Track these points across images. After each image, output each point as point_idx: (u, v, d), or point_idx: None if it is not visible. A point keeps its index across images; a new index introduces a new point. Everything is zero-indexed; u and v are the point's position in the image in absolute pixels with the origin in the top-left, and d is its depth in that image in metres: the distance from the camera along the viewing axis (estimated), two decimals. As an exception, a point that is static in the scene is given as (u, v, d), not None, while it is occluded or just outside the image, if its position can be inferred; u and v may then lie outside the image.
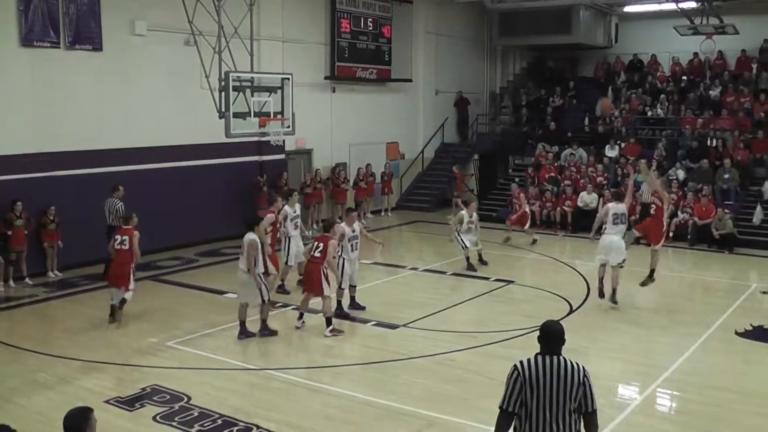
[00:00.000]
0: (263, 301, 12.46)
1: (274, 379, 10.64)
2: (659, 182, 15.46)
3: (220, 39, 15.94)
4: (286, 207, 15.25)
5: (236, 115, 15.57)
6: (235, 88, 15.53)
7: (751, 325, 13.11)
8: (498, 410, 5.45)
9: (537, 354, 5.48)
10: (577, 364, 5.45)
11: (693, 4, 24.90)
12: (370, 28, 25.11)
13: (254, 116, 15.85)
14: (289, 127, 16.71)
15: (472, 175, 28.13)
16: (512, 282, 16.39)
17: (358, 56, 24.75)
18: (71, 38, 17.03)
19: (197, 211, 19.42)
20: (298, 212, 15.60)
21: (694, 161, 22.84)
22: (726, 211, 20.11)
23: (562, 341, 5.51)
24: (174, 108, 19.24)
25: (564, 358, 5.44)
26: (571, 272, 17.47)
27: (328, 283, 12.68)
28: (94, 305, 14.51)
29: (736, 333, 12.76)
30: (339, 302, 13.77)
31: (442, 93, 28.89)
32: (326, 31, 23.91)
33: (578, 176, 23.19)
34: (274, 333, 12.63)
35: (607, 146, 25.03)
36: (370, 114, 25.78)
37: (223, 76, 15.56)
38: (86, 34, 17.28)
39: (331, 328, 12.61)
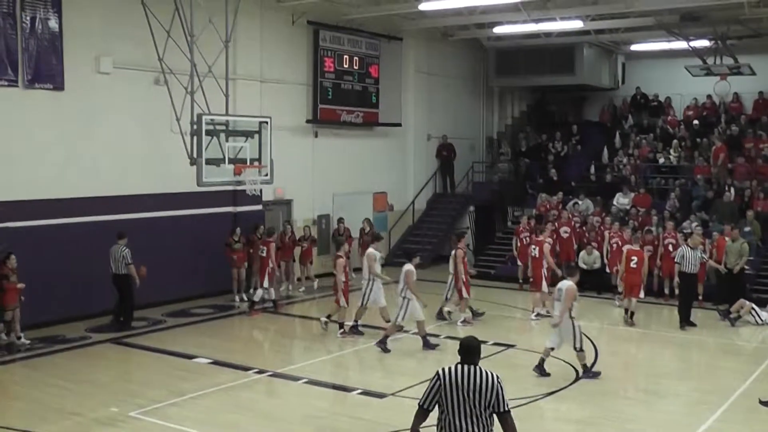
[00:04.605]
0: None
1: (250, 454, 10.49)
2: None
3: (193, 78, 16.03)
4: (373, 250, 17.39)
5: (209, 162, 15.58)
6: (208, 132, 15.55)
7: (776, 392, 13.06)
8: (417, 407, 7.24)
9: (457, 363, 7.19)
10: (489, 372, 7.13)
11: (705, 43, 25.28)
12: (356, 68, 25.29)
13: (229, 163, 15.85)
14: (266, 175, 16.72)
15: (467, 228, 28.10)
16: (512, 346, 16.32)
17: (343, 98, 24.87)
18: (30, 76, 17.05)
19: (165, 267, 19.13)
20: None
21: (710, 214, 22.92)
22: (746, 267, 20.14)
23: (478, 353, 7.32)
24: (141, 153, 19.25)
25: (479, 367, 7.16)
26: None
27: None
28: (48, 371, 14.34)
29: (760, 402, 12.69)
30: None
31: (434, 138, 29.03)
32: (308, 71, 24.06)
33: (583, 229, 23.20)
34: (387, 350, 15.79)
35: (618, 193, 25.13)
36: (355, 161, 25.85)
37: (195, 118, 15.61)
38: (47, 72, 17.32)
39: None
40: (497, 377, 7.13)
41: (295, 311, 19.96)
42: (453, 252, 18.48)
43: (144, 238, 18.41)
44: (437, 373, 7.18)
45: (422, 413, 7.26)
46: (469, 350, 7.27)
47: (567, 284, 13.85)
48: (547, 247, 19.65)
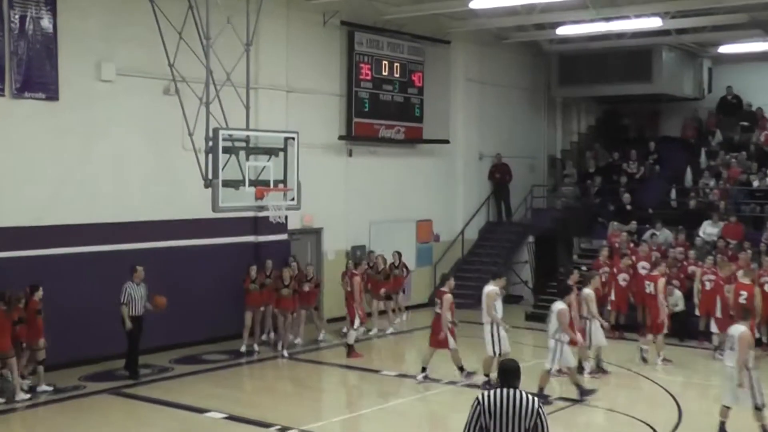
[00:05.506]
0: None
1: None
2: None
3: (209, 87, 15.98)
4: (493, 287, 16.82)
5: (227, 184, 15.49)
6: (225, 150, 15.49)
7: None
8: None
9: (497, 387, 7.86)
10: (531, 395, 7.77)
11: (808, 43, 24.93)
12: (397, 75, 25.27)
13: (249, 185, 15.78)
14: (293, 199, 16.64)
15: (526, 262, 27.81)
16: (579, 402, 15.93)
17: (382, 111, 24.84)
18: (20, 84, 17.16)
19: (174, 305, 18.92)
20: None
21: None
22: None
23: (518, 376, 7.90)
24: (148, 173, 19.31)
25: (520, 391, 7.75)
26: (656, 389, 17.05)
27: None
28: (37, 426, 14.47)
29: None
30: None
31: (487, 157, 28.97)
32: (341, 79, 24.09)
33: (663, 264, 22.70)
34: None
35: (705, 222, 24.53)
36: (396, 184, 25.83)
37: (211, 133, 15.53)
38: (39, 80, 17.43)
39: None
40: (538, 401, 7.79)
41: (323, 358, 19.83)
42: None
43: (150, 272, 18.25)
44: (477, 398, 7.79)
45: None
46: (509, 373, 7.88)
47: (741, 329, 13.18)
48: (662, 283, 19.30)
